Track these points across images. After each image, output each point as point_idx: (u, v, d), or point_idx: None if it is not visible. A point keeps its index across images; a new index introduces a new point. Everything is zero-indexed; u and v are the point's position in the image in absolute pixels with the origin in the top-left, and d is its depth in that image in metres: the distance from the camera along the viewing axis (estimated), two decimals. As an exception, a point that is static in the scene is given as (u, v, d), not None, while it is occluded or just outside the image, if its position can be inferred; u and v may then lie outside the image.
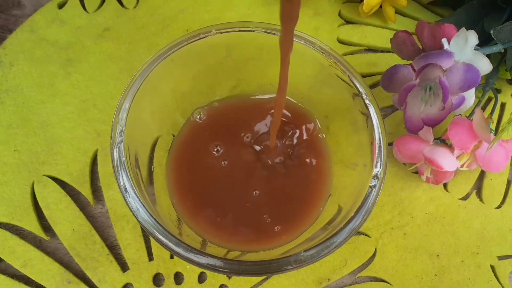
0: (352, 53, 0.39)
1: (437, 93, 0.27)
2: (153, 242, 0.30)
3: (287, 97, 0.34)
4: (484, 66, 0.28)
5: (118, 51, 0.37)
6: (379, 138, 0.26)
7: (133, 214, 0.24)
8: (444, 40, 0.28)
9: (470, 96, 0.28)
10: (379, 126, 0.27)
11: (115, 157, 0.25)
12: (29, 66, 0.36)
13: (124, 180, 0.24)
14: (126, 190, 0.24)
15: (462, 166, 0.31)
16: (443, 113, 0.27)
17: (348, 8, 0.41)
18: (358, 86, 0.28)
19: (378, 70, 0.38)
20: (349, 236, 0.24)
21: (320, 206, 0.30)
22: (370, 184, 0.25)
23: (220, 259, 0.24)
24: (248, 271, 0.24)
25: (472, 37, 0.28)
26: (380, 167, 0.26)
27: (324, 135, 0.33)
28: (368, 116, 0.28)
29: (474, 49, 0.29)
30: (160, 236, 0.24)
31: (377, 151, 0.26)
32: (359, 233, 0.32)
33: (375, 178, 0.25)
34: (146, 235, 0.31)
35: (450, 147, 0.31)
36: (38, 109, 0.34)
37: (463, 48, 0.28)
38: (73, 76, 0.36)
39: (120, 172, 0.24)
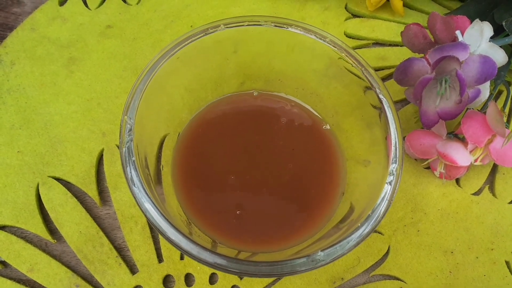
0: (360, 47, 0.38)
1: (453, 86, 0.26)
2: (162, 243, 0.30)
3: (292, 96, 0.33)
4: (500, 58, 0.27)
5: (122, 48, 0.36)
6: (395, 133, 0.26)
7: (144, 213, 0.23)
8: (457, 32, 0.28)
9: (485, 89, 0.27)
10: (394, 120, 0.26)
11: (125, 156, 0.24)
12: (30, 65, 0.35)
13: (135, 179, 0.24)
14: (136, 187, 0.24)
15: (475, 160, 0.30)
16: (459, 107, 0.26)
17: (355, 2, 0.40)
18: (371, 79, 0.27)
19: (387, 64, 0.37)
20: (367, 235, 0.23)
21: (333, 206, 0.29)
22: (387, 181, 0.25)
23: (232, 259, 0.23)
24: (262, 272, 0.23)
25: (487, 29, 0.27)
26: (396, 163, 0.25)
27: (334, 132, 0.32)
28: (381, 111, 0.27)
29: (488, 41, 0.28)
30: (171, 236, 0.23)
31: (392, 146, 0.25)
32: (372, 230, 0.31)
33: (391, 174, 0.25)
34: (155, 236, 0.30)
35: (463, 141, 0.30)
36: (41, 109, 0.34)
37: (478, 40, 0.27)
38: (76, 75, 0.35)
39: (130, 171, 0.24)
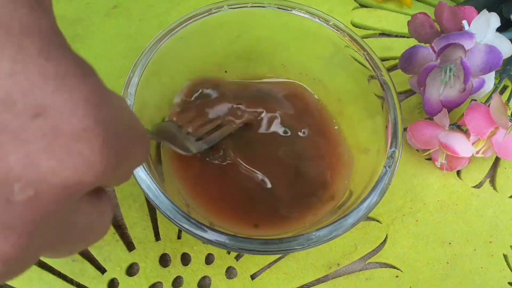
0: (366, 37, 0.38)
1: (457, 74, 0.26)
2: (160, 221, 0.30)
3: (299, 82, 0.33)
4: (507, 49, 0.27)
5: (128, 28, 0.36)
6: (395, 118, 0.25)
7: (143, 190, 0.23)
8: (464, 22, 0.28)
9: (490, 80, 0.27)
10: (395, 106, 0.26)
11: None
12: (36, 41, 0.35)
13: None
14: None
15: (477, 152, 0.30)
16: (462, 96, 0.26)
17: (363, -8, 0.40)
18: (373, 64, 0.27)
19: (392, 54, 0.37)
20: (362, 217, 0.23)
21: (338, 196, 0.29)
22: (385, 164, 0.24)
23: (230, 236, 0.23)
24: (258, 249, 0.23)
25: (494, 19, 0.27)
26: (395, 147, 0.25)
27: (337, 121, 0.32)
28: (384, 99, 0.27)
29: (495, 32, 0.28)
30: (169, 214, 0.23)
31: (392, 130, 0.25)
32: (370, 218, 0.31)
33: (390, 158, 0.25)
34: (153, 214, 0.30)
35: (466, 133, 0.30)
36: (44, 85, 0.34)
37: (485, 30, 0.27)
38: (81, 53, 0.34)
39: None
